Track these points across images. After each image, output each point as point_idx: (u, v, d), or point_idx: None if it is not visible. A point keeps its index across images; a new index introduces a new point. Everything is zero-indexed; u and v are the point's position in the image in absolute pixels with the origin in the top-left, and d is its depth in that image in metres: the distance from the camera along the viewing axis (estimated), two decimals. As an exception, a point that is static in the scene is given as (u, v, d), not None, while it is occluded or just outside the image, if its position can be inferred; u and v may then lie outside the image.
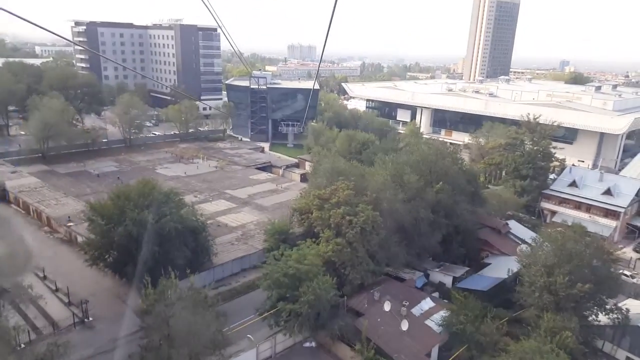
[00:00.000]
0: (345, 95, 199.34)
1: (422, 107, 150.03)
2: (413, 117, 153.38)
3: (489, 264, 52.13)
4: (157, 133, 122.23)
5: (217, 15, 19.84)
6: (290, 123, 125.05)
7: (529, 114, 76.03)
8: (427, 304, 43.30)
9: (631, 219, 69.07)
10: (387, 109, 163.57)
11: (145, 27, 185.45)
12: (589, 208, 69.52)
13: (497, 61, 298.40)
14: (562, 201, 71.50)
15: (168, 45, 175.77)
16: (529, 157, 73.15)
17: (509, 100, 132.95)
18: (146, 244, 41.65)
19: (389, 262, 45.49)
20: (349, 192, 43.66)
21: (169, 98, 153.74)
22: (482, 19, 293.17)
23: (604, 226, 66.58)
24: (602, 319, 39.84)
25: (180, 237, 43.39)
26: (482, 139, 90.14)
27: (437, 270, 50.56)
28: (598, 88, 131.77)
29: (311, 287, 37.44)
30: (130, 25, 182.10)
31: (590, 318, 39.24)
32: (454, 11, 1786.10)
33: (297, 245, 46.27)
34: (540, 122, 75.84)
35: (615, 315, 38.59)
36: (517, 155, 74.65)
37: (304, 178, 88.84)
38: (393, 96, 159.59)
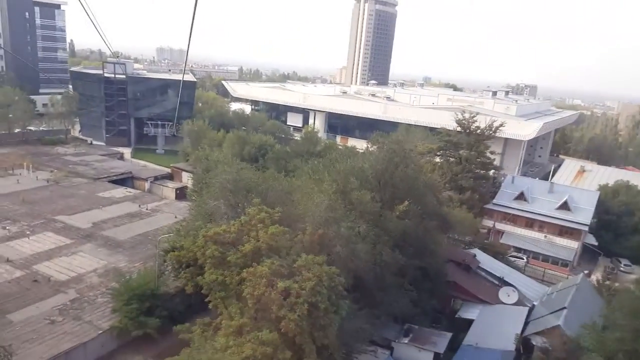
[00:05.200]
0: (227, 99, 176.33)
1: (315, 111, 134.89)
2: (305, 121, 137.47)
3: (471, 320, 35.57)
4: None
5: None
6: (159, 123, 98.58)
7: (463, 112, 63.26)
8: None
9: (584, 237, 59.33)
10: (275, 113, 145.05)
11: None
12: (542, 226, 58.25)
13: (378, 70, 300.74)
14: (509, 218, 59.31)
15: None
16: (467, 164, 60.03)
17: (409, 105, 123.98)
18: None
19: (347, 346, 25.84)
20: (277, 229, 23.09)
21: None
22: (362, 27, 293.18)
23: (564, 248, 55.67)
24: None
25: None
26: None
27: (406, 341, 32.28)
28: (494, 93, 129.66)
29: None
30: None
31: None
32: (325, 25, 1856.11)
33: (172, 320, 24.82)
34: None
35: None
36: (453, 162, 61.21)
37: (181, 194, 65.26)
38: (283, 98, 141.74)
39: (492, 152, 63.44)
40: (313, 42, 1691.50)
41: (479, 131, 61.86)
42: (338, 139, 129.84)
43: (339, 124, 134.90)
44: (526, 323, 34.52)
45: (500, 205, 59.45)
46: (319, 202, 26.83)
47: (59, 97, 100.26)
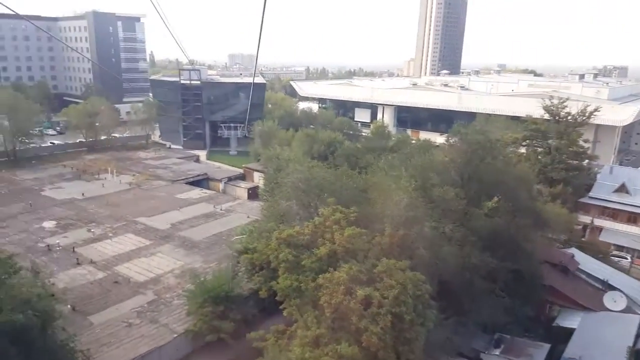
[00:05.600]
0: (295, 98, 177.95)
1: (383, 105, 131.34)
2: (373, 117, 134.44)
3: (571, 329, 31.32)
4: (56, 142, 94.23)
5: None
6: (232, 126, 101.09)
7: (551, 97, 57.38)
8: None
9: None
10: (342, 110, 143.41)
11: (55, 19, 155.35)
12: (648, 222, 51.10)
13: (448, 60, 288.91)
14: (608, 212, 52.76)
15: (81, 38, 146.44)
16: (557, 154, 54.30)
17: (486, 93, 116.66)
18: None
19: (432, 359, 23.26)
20: (353, 231, 21.17)
21: (81, 101, 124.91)
22: (431, 17, 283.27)
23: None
24: None
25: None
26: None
27: (498, 353, 28.94)
28: (581, 77, 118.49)
29: None
30: (36, 17, 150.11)
31: None
32: (390, 19, 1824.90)
33: (246, 323, 23.70)
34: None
35: None
36: (541, 153, 55.71)
37: (253, 194, 65.64)
38: (351, 94, 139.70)
39: (585, 141, 56.98)
40: (378, 37, 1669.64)
41: (569, 118, 55.74)
42: (408, 132, 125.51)
43: (408, 117, 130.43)
44: (638, 334, 29.74)
45: (597, 198, 53.00)
46: (397, 200, 24.46)
47: (140, 104, 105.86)
